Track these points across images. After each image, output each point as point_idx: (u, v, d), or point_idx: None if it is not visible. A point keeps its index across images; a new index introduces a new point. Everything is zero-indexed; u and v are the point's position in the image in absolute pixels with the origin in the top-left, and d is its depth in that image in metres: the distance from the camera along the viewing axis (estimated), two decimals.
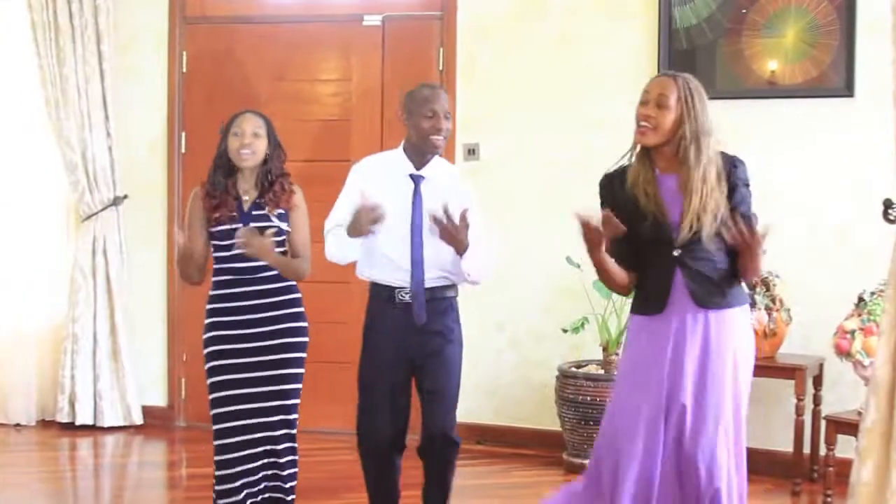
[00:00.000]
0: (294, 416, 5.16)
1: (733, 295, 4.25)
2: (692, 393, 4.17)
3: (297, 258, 5.15)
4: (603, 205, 4.31)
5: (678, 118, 4.14)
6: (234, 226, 5.03)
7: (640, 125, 4.18)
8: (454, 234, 4.76)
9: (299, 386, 5.18)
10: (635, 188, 4.23)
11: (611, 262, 4.25)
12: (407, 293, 4.99)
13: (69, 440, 7.66)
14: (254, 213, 5.07)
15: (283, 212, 5.10)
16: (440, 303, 5.04)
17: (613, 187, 4.32)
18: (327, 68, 7.85)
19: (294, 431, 5.17)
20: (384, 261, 5.04)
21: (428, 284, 5.00)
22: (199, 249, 5.13)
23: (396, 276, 5.01)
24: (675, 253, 4.18)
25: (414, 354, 5.02)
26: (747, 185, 4.25)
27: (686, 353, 4.18)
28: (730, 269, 4.25)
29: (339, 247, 4.99)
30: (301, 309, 5.21)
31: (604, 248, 4.15)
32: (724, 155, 4.23)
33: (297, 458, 5.20)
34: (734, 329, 4.25)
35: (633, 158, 4.29)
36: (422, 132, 4.98)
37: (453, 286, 5.10)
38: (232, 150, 5.05)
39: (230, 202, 5.08)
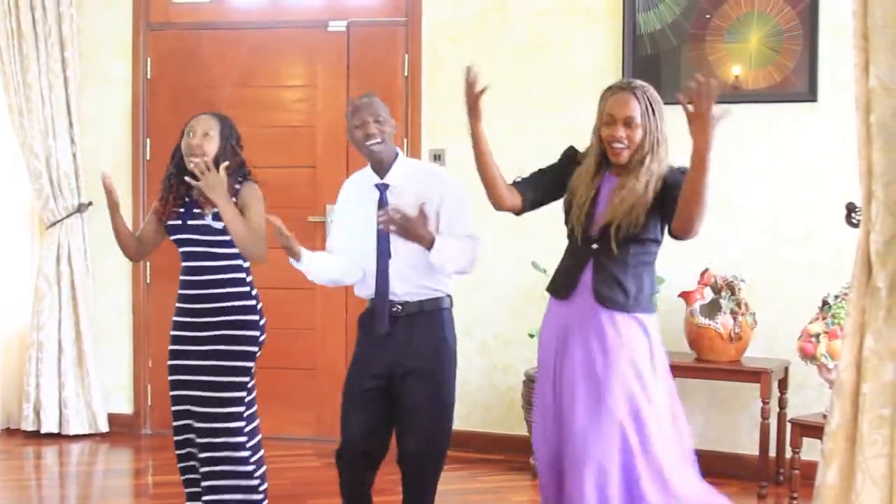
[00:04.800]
0: (235, 423, 5.08)
1: (637, 301, 4.29)
2: (580, 387, 4.26)
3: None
4: (560, 166, 4.54)
5: (644, 132, 4.27)
6: (175, 222, 5.11)
7: (615, 146, 4.26)
8: (411, 230, 4.69)
9: (238, 395, 5.09)
10: (579, 181, 4.38)
11: (486, 147, 4.37)
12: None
13: (34, 448, 7.61)
14: (193, 210, 5.09)
15: None
16: (424, 317, 5.00)
17: (573, 162, 4.50)
18: (292, 74, 7.83)
19: (234, 440, 5.08)
20: (360, 274, 5.06)
21: (410, 298, 4.97)
22: (148, 235, 5.34)
23: (370, 289, 5.01)
24: (594, 246, 4.30)
25: (391, 369, 4.96)
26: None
27: (572, 348, 4.29)
28: (644, 278, 4.33)
29: (315, 278, 5.10)
30: (252, 317, 5.13)
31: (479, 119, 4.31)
32: (671, 168, 4.33)
33: (237, 468, 5.11)
34: (629, 334, 4.27)
35: (592, 156, 4.40)
36: (357, 143, 5.02)
37: (441, 299, 5.05)
38: (184, 150, 5.09)
39: (173, 198, 5.12)
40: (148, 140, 7.95)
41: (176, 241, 5.14)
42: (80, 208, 7.85)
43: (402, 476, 5.09)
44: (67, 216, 7.84)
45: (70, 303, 7.89)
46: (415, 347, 4.96)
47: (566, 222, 4.45)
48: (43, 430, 7.81)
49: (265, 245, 5.04)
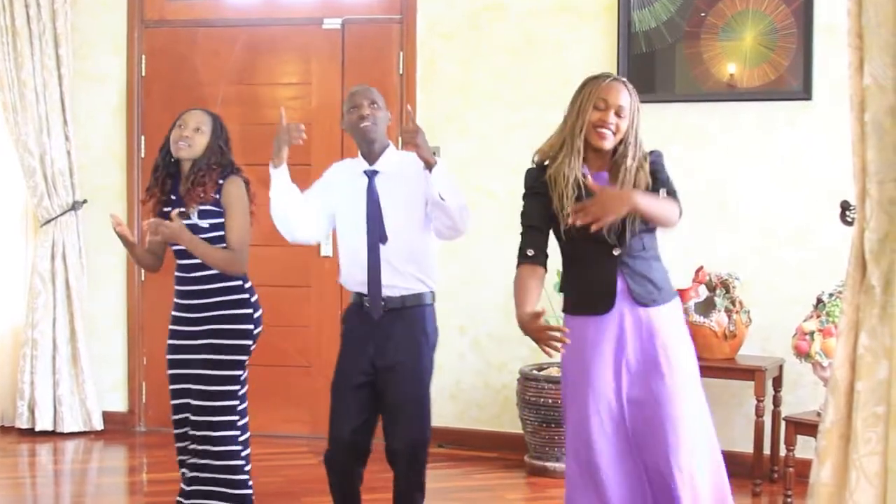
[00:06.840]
0: (227, 417, 5.13)
1: (667, 291, 4.35)
2: (637, 391, 4.26)
3: (227, 249, 5.12)
4: (534, 194, 4.46)
5: (629, 124, 4.29)
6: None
7: (601, 130, 4.25)
8: (413, 138, 4.77)
9: (232, 388, 5.14)
10: (565, 189, 4.29)
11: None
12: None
13: (29, 446, 7.61)
14: (180, 210, 5.07)
15: (212, 208, 5.08)
16: (409, 312, 5.00)
17: (541, 179, 4.44)
18: (287, 72, 7.83)
19: (227, 433, 5.13)
20: (346, 263, 5.06)
21: (395, 292, 4.97)
22: (156, 242, 5.29)
23: (358, 279, 5.00)
24: (616, 252, 4.26)
25: (376, 363, 4.98)
26: (664, 168, 4.34)
27: (627, 353, 4.27)
28: (660, 263, 4.38)
29: (275, 202, 5.03)
30: (244, 311, 5.16)
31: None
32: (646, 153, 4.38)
33: (217, 462, 5.15)
34: (672, 324, 4.34)
35: (561, 157, 4.35)
36: (351, 126, 5.05)
37: (424, 294, 5.05)
38: (172, 141, 5.11)
39: (160, 193, 5.14)
40: (142, 137, 7.94)
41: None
42: (75, 206, 7.85)
43: (393, 470, 5.11)
44: (62, 214, 7.83)
45: (65, 300, 7.88)
46: (395, 342, 4.98)
47: (563, 231, 4.34)
48: (37, 428, 7.80)
49: (243, 259, 5.11)
